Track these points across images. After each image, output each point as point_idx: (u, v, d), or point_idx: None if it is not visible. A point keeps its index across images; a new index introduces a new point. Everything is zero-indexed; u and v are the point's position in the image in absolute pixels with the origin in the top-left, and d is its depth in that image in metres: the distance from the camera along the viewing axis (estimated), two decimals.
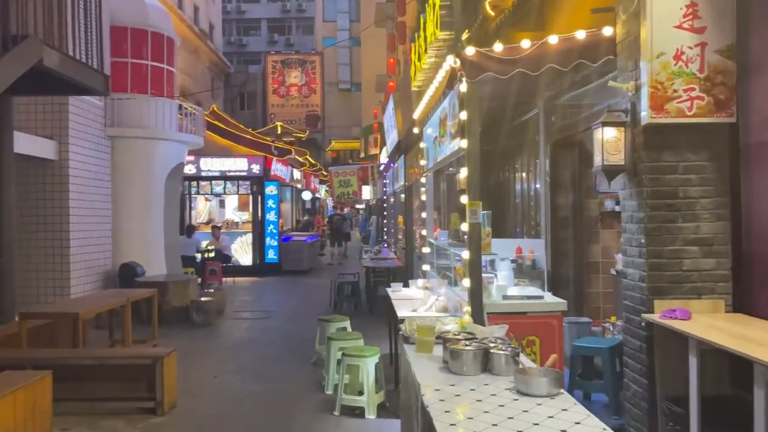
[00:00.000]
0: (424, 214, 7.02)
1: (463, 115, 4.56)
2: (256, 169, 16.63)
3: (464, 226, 4.70)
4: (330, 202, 35.31)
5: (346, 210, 30.17)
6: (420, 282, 7.09)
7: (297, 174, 21.87)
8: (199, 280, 14.37)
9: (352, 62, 47.11)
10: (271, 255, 17.05)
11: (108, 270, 11.10)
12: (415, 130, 7.24)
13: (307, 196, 24.52)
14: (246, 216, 18.27)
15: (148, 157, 11.75)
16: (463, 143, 4.59)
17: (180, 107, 12.60)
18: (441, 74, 5.27)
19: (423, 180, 7.02)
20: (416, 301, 5.77)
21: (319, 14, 48.78)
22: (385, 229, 16.21)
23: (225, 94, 39.27)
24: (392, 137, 11.58)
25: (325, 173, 29.72)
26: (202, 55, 32.00)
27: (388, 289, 6.94)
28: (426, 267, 7.31)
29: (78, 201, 9.96)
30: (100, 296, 7.28)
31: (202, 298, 10.01)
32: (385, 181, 15.94)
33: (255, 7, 51.04)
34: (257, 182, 16.81)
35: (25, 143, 8.75)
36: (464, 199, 4.66)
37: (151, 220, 11.93)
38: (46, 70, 5.99)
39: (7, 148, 6.91)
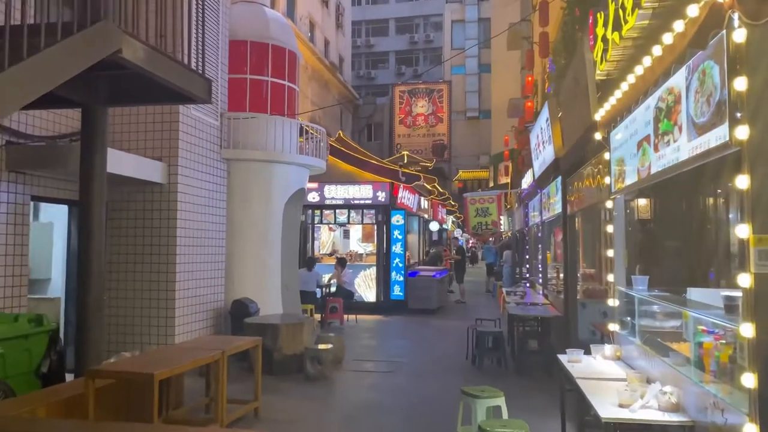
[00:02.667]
0: (610, 252, 4.99)
1: (740, 84, 2.60)
2: (381, 196, 15.21)
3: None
4: (459, 233, 33.47)
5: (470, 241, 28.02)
6: (608, 350, 5.05)
7: (424, 203, 20.28)
8: (319, 317, 13.09)
9: (480, 89, 45.57)
10: (397, 291, 15.44)
11: (220, 307, 9.98)
12: (597, 136, 5.27)
13: (434, 227, 22.82)
14: (370, 247, 16.88)
15: (266, 182, 10.63)
16: (740, 132, 2.62)
17: (301, 128, 11.44)
18: (677, 27, 3.33)
19: (609, 205, 5.00)
20: (617, 386, 3.78)
21: (447, 43, 47.86)
22: (527, 267, 14.09)
23: (353, 126, 39.14)
24: (544, 157, 9.59)
25: (453, 203, 27.98)
26: (331, 87, 32.05)
27: (563, 357, 4.98)
28: (616, 327, 5.25)
29: (187, 229, 8.91)
30: (190, 347, 5.90)
31: (319, 346, 8.49)
32: (527, 210, 13.87)
33: (384, 40, 51.25)
34: (383, 211, 15.37)
35: (128, 164, 7.78)
36: (742, 230, 2.66)
37: (269, 250, 10.75)
38: (128, 66, 4.76)
39: (98, 164, 5.79)
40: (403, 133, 44.38)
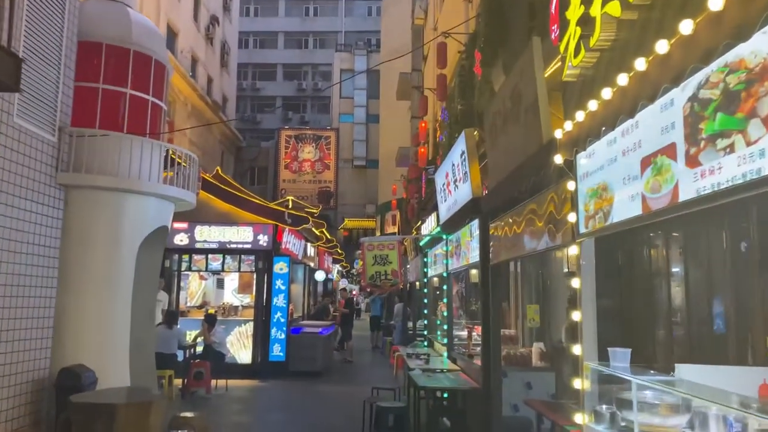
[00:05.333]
0: (576, 315, 3.58)
1: None
2: (263, 240, 13.30)
3: None
4: (345, 283, 31.77)
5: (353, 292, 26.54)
6: None
7: (311, 250, 18.53)
8: (181, 384, 10.80)
9: (368, 138, 45.12)
10: (277, 351, 13.41)
11: (43, 377, 7.57)
12: (558, 159, 3.92)
13: (320, 276, 21.04)
14: (248, 299, 14.78)
15: (116, 216, 8.47)
16: None
17: (167, 157, 9.43)
18: None
19: (574, 251, 3.60)
20: None
21: (336, 91, 47.32)
22: (425, 323, 12.68)
23: (235, 168, 36.93)
24: (456, 198, 8.30)
25: (340, 251, 26.42)
26: (213, 127, 30.03)
27: None
28: (583, 419, 3.79)
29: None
30: None
31: None
32: (426, 260, 12.54)
33: (271, 84, 49.98)
34: (264, 257, 13.43)
35: None
36: None
37: (115, 304, 8.50)
38: None
39: None
40: (289, 179, 42.66)
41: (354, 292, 35.82)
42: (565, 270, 6.95)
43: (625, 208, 3.24)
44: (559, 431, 5.45)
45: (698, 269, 5.36)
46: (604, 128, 3.34)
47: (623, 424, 3.50)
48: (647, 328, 5.64)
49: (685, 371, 3.67)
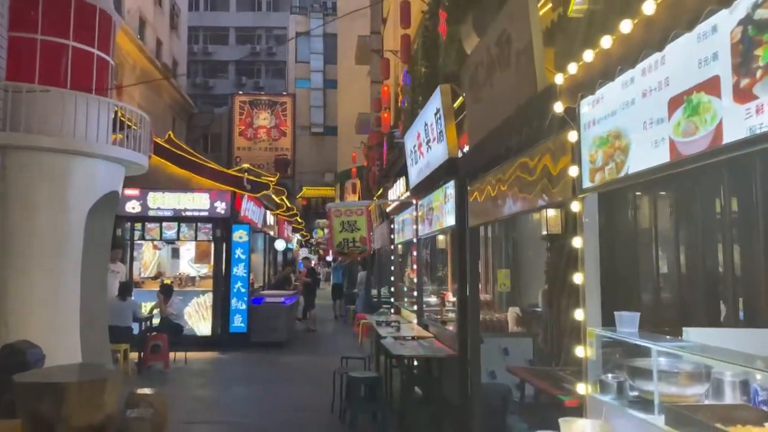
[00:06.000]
0: (578, 278, 3.25)
1: None
2: (221, 208, 12.68)
3: None
4: (305, 253, 31.23)
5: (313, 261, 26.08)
6: (590, 429, 3.27)
7: (270, 218, 17.95)
8: (137, 358, 10.26)
9: (326, 105, 44.20)
10: (238, 322, 12.92)
11: None
12: (558, 108, 3.56)
13: (280, 245, 20.49)
14: (206, 269, 14.19)
15: (61, 180, 7.79)
16: None
17: (116, 115, 8.72)
18: None
19: (576, 207, 3.25)
20: None
21: (292, 54, 46.03)
22: (391, 290, 12.37)
23: (187, 135, 35.62)
24: (429, 160, 7.90)
25: (300, 219, 25.88)
26: (163, 92, 28.75)
27: None
28: (585, 389, 3.50)
29: None
30: None
31: (130, 413, 5.91)
32: (394, 226, 12.17)
33: (223, 49, 48.23)
34: (222, 225, 12.83)
35: None
36: None
37: (63, 274, 7.88)
38: None
39: None
40: (244, 146, 41.50)
41: (314, 262, 35.40)
42: (543, 233, 6.68)
43: (645, 156, 2.89)
44: (545, 399, 5.21)
45: (690, 229, 5.13)
46: (620, 67, 2.96)
47: (635, 394, 3.22)
48: (635, 291, 5.43)
49: (693, 335, 3.41)
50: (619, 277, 4.57)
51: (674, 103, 2.66)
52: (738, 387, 3.09)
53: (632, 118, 3.02)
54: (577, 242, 3.70)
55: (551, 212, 6.67)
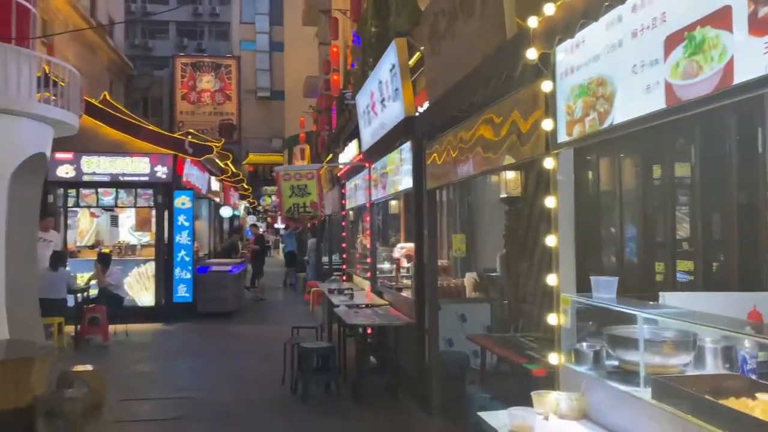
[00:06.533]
0: (551, 240, 2.97)
1: None
2: (162, 172, 11.97)
3: None
4: (253, 220, 30.47)
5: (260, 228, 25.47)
6: (565, 403, 3.04)
7: (215, 184, 17.25)
8: (73, 332, 9.66)
9: (272, 68, 42.88)
10: (182, 292, 12.37)
11: None
12: (531, 54, 3.24)
13: (226, 212, 19.79)
14: (147, 237, 13.50)
15: None
16: None
17: (45, 72, 7.93)
18: None
19: (550, 164, 2.95)
20: None
21: (236, 15, 44.31)
22: (343, 257, 12.01)
23: (126, 98, 33.95)
24: (383, 120, 7.51)
25: (246, 186, 25.14)
26: (99, 52, 27.15)
27: (495, 423, 2.89)
28: (569, 362, 3.26)
29: None
30: None
31: (61, 393, 5.42)
32: (345, 191, 11.77)
33: (163, 8, 45.77)
34: (164, 191, 12.14)
35: None
36: None
37: None
38: None
39: None
40: (187, 110, 39.97)
41: (262, 230, 34.70)
42: (502, 195, 6.44)
43: (635, 104, 2.60)
44: (508, 368, 5.01)
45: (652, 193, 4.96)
46: (607, 3, 2.63)
47: (614, 364, 2.99)
48: (597, 255, 5.26)
49: (670, 299, 3.21)
50: (580, 240, 4.35)
51: (672, 42, 2.36)
52: (720, 354, 2.90)
53: (619, 62, 2.72)
54: (550, 202, 3.42)
55: (510, 174, 6.42)
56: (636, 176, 4.98)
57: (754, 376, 2.70)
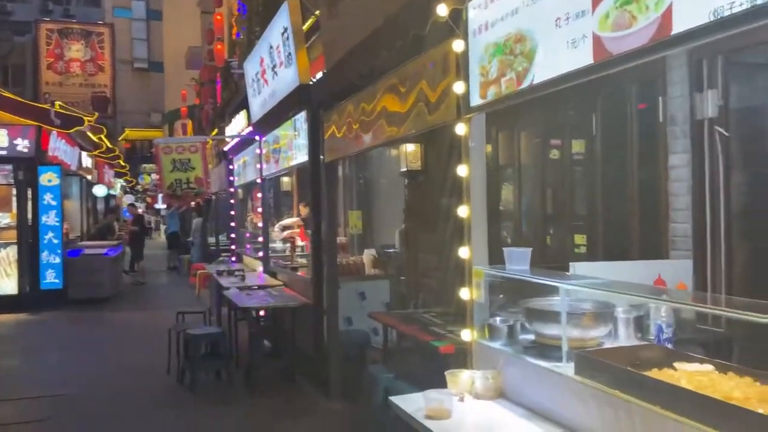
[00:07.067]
0: (463, 211, 2.78)
1: None
2: (23, 146, 10.72)
3: None
4: (131, 200, 28.53)
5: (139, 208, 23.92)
6: (480, 382, 2.87)
7: (87, 160, 15.84)
8: None
9: (150, 38, 40.28)
10: (51, 277, 11.24)
11: None
12: (442, 11, 3.01)
13: (100, 191, 18.28)
14: (8, 219, 12.11)
15: None
16: None
17: None
18: None
19: (461, 129, 2.76)
20: None
21: None
22: (233, 236, 11.37)
23: None
24: (274, 88, 7.04)
25: (123, 163, 23.47)
26: None
27: (406, 406, 2.68)
28: (483, 337, 3.08)
29: None
30: None
31: None
32: (233, 167, 11.10)
33: None
34: (26, 166, 10.89)
35: None
36: None
37: None
38: None
39: None
40: (54, 81, 36.59)
41: (141, 210, 32.71)
42: (403, 169, 6.24)
43: (558, 60, 2.42)
44: (411, 345, 4.83)
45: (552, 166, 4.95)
46: None
47: (531, 338, 2.85)
48: (495, 227, 5.20)
49: (580, 269, 3.14)
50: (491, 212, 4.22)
51: None
52: (632, 324, 2.85)
53: (540, 16, 2.52)
54: (461, 170, 3.21)
55: (410, 147, 6.23)
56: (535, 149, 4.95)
57: (669, 345, 2.66)
